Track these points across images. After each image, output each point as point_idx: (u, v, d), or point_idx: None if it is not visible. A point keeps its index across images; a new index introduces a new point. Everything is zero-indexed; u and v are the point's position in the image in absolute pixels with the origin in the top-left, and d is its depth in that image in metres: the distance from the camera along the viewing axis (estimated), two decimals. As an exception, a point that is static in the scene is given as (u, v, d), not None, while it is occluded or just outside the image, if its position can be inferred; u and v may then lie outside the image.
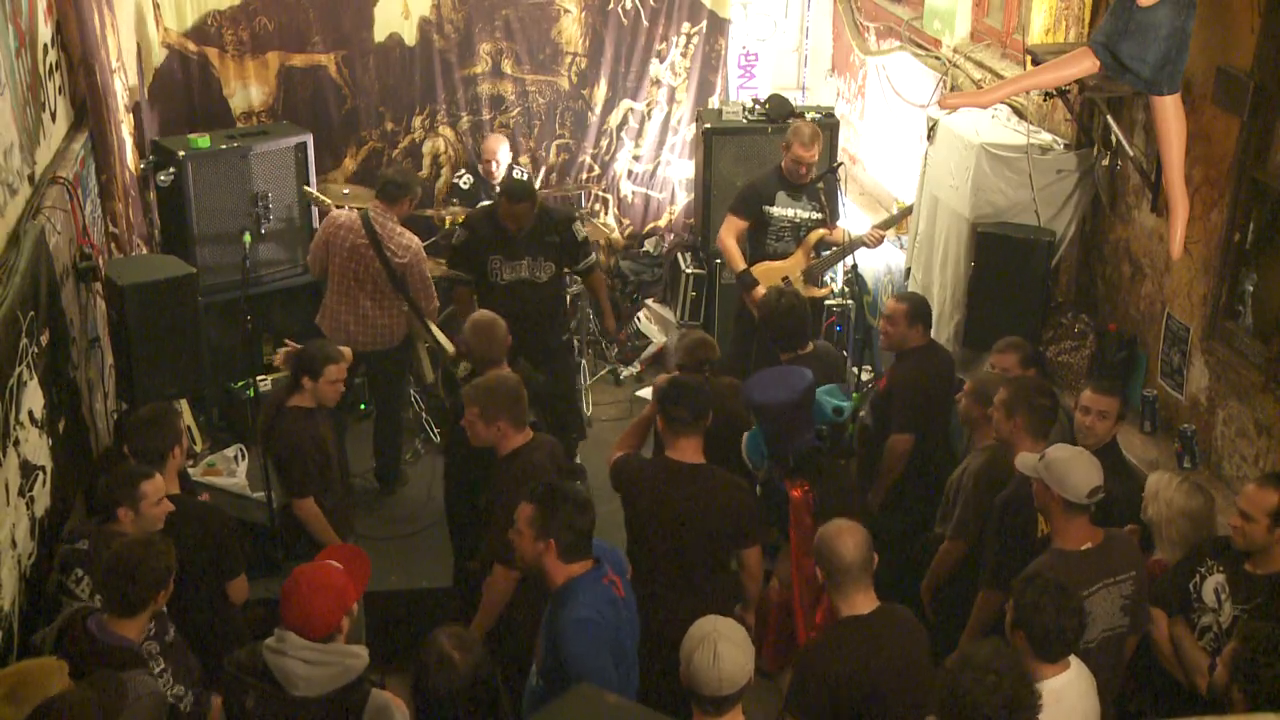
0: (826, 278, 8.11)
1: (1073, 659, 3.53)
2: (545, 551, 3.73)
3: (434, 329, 6.65)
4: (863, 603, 3.71)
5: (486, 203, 7.83)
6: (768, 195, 6.76)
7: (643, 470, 4.68)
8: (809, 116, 7.71)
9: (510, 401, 4.63)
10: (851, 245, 6.76)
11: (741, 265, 6.77)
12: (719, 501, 4.52)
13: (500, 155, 8.03)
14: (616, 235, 9.07)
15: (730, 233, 6.83)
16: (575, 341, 7.49)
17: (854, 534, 3.74)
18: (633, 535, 4.64)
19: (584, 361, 7.83)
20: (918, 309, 5.67)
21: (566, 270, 6.76)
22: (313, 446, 5.16)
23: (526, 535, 3.76)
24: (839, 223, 6.86)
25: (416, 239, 6.58)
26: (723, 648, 3.20)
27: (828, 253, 6.84)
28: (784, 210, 6.75)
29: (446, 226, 7.86)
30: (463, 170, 8.28)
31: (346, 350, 5.48)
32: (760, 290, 6.58)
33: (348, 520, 5.54)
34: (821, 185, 6.73)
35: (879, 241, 6.75)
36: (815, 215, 6.76)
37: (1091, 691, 3.57)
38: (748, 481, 5.36)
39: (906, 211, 6.96)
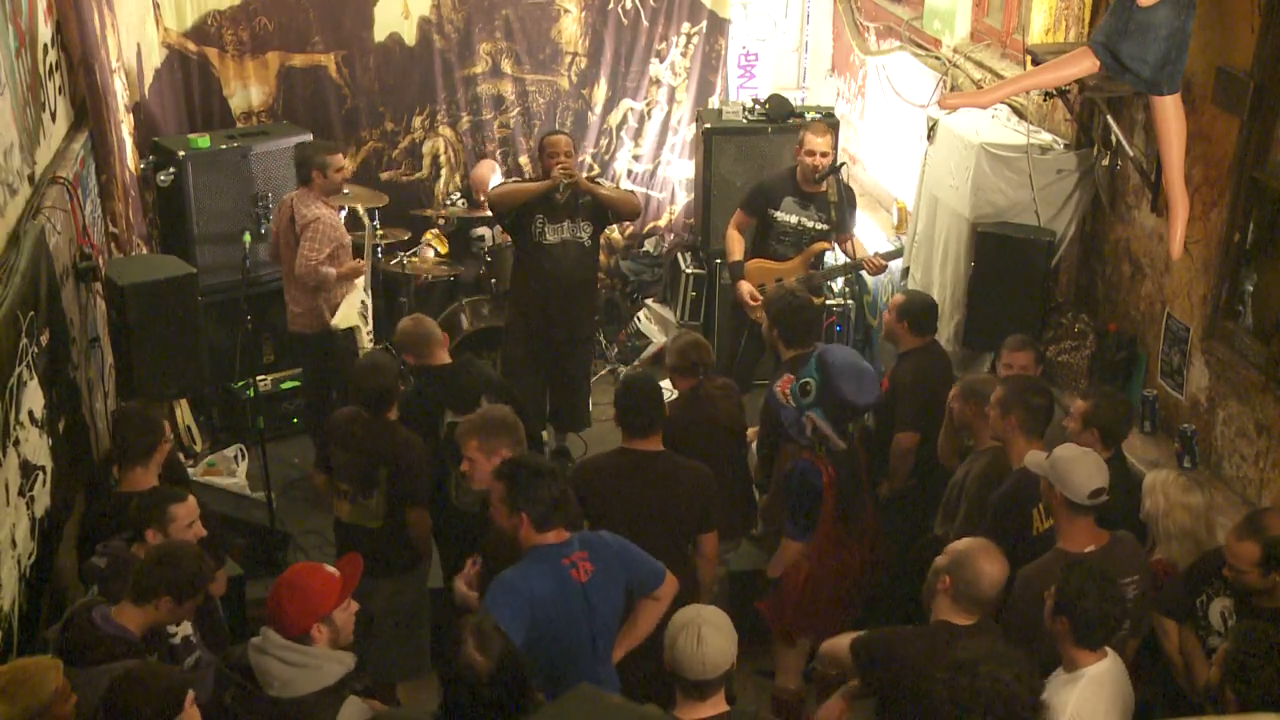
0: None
1: (1108, 648, 3.56)
2: (520, 525, 3.81)
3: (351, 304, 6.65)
4: (964, 618, 3.76)
5: (482, 229, 7.94)
6: (774, 198, 6.77)
7: (602, 465, 4.76)
8: (809, 116, 7.72)
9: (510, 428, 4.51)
10: (853, 265, 6.74)
11: (737, 257, 6.84)
12: (682, 487, 4.64)
13: (494, 181, 7.95)
14: (616, 235, 9.07)
15: (735, 224, 6.93)
16: (601, 339, 7.53)
17: (1001, 568, 3.77)
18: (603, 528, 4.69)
19: (589, 370, 7.83)
20: (906, 308, 5.68)
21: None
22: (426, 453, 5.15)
23: (501, 513, 3.86)
24: (850, 235, 6.80)
25: (328, 212, 6.52)
26: (706, 632, 3.24)
27: (830, 266, 6.81)
28: (788, 216, 6.75)
29: (427, 237, 7.92)
30: (456, 193, 8.31)
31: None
32: (743, 285, 6.72)
33: None
34: (834, 199, 6.66)
35: (879, 269, 6.70)
36: (820, 226, 6.72)
37: (1127, 680, 3.61)
38: (743, 472, 5.39)
39: (898, 253, 6.93)
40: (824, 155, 6.58)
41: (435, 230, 8.14)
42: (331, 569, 3.64)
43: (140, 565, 3.79)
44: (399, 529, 5.08)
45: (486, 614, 3.49)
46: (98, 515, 4.65)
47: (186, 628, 4.16)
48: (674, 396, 5.41)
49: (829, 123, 7.37)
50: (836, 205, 6.66)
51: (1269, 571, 3.76)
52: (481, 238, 8.10)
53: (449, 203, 8.25)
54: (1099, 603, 3.45)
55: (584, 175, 6.93)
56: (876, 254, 6.71)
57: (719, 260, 7.63)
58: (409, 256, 7.85)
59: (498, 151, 8.76)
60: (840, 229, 6.74)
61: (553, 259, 6.63)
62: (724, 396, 5.35)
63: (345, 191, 7.77)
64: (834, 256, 6.99)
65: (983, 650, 3.23)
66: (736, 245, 6.89)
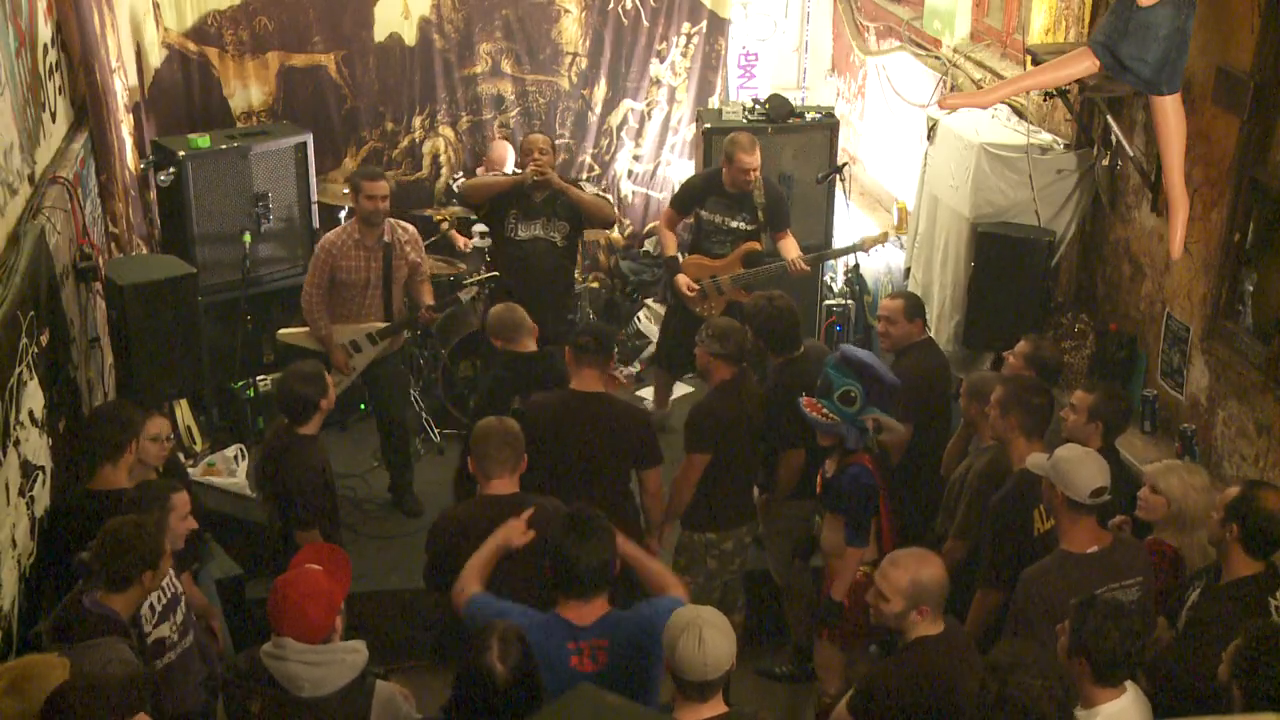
0: (828, 277, 8.12)
1: (1129, 684, 3.48)
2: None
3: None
4: (933, 626, 3.75)
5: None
6: (701, 197, 6.91)
7: (547, 404, 4.96)
8: (809, 116, 7.73)
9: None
10: (779, 268, 6.76)
11: (672, 252, 7.08)
12: (621, 425, 4.96)
13: (509, 161, 8.07)
14: (616, 235, 9.07)
15: (665, 222, 7.17)
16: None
17: (935, 560, 3.78)
18: (547, 467, 4.76)
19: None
20: (914, 304, 5.68)
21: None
22: (318, 475, 5.09)
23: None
24: (784, 232, 6.84)
25: (332, 236, 6.44)
26: (708, 634, 3.24)
27: (760, 268, 6.80)
28: (712, 215, 6.86)
29: (444, 229, 7.90)
30: (459, 174, 8.29)
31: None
32: (680, 278, 6.85)
33: (338, 541, 5.52)
34: (760, 200, 6.72)
35: (801, 272, 6.76)
36: (746, 227, 6.80)
37: (1148, 713, 3.51)
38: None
39: (845, 250, 7.09)
40: (755, 171, 6.65)
41: (445, 222, 8.09)
42: (314, 566, 3.67)
43: (106, 560, 3.80)
44: (288, 537, 5.05)
45: (510, 623, 3.47)
46: (63, 511, 4.62)
47: (164, 629, 4.15)
48: (713, 388, 5.30)
49: (824, 124, 7.66)
50: (764, 206, 6.74)
51: (1226, 520, 3.82)
52: (484, 235, 8.08)
53: (455, 185, 8.17)
54: (1120, 640, 3.36)
55: (561, 177, 6.95)
56: (799, 257, 6.73)
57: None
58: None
59: (497, 152, 8.77)
60: (773, 227, 6.82)
61: (522, 254, 6.70)
62: (759, 399, 5.37)
63: (345, 191, 7.80)
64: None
65: (1018, 658, 3.19)
66: (670, 241, 7.12)
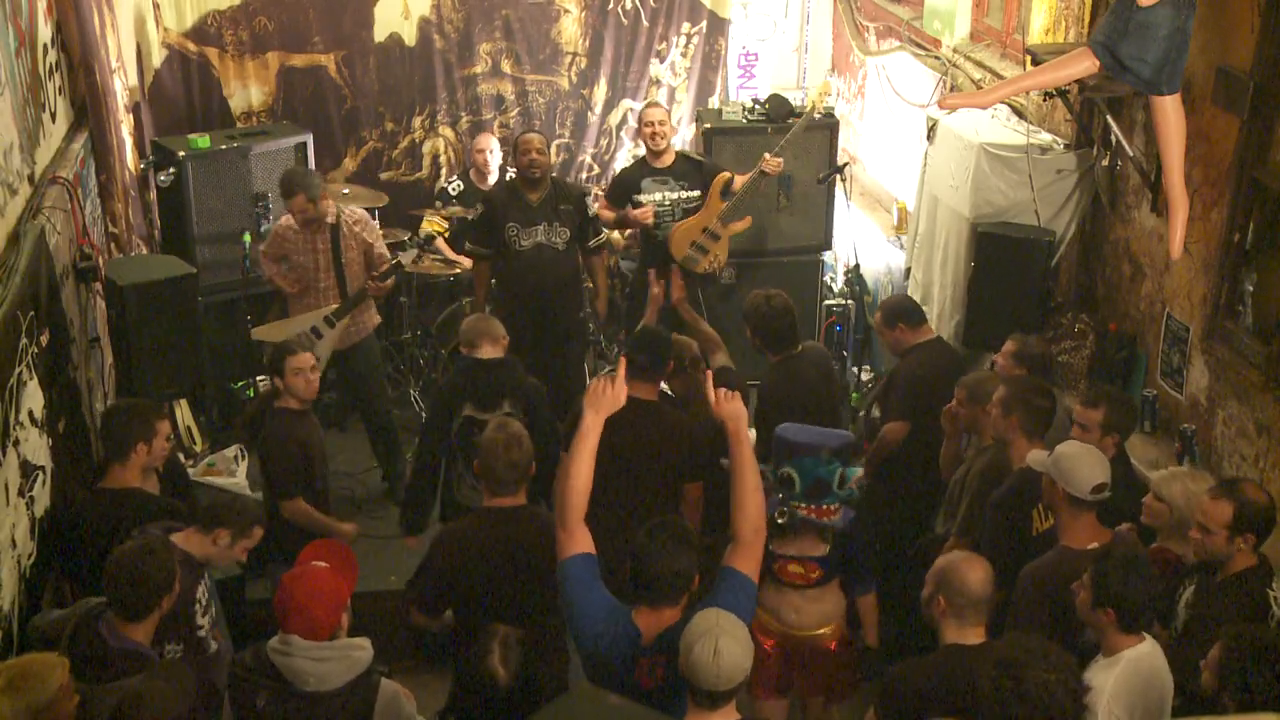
0: (826, 277, 8.12)
1: (1146, 635, 3.61)
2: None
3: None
4: (973, 635, 3.72)
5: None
6: (633, 184, 6.94)
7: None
8: (813, 117, 7.72)
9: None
10: (758, 172, 6.77)
11: (611, 215, 7.10)
12: (671, 435, 4.85)
13: (493, 146, 7.94)
14: (616, 235, 9.05)
15: (603, 209, 7.16)
16: (590, 325, 7.54)
17: (983, 567, 3.75)
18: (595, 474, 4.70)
19: (584, 363, 7.82)
20: (890, 312, 5.67)
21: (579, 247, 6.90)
22: (297, 447, 5.17)
23: None
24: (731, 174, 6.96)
25: (282, 222, 6.51)
26: (723, 644, 3.21)
27: (741, 188, 6.86)
28: (652, 195, 6.90)
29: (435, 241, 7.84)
30: (454, 176, 8.29)
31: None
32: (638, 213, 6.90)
33: None
34: (699, 158, 6.90)
35: (777, 167, 6.73)
36: (689, 192, 6.88)
37: (1164, 662, 3.64)
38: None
39: (798, 126, 7.00)
40: (661, 129, 6.82)
41: (435, 218, 8.03)
42: (320, 563, 3.68)
43: (122, 591, 3.73)
44: (277, 517, 5.12)
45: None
46: (71, 509, 4.61)
47: (207, 622, 4.18)
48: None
49: (824, 124, 7.60)
50: (701, 165, 6.93)
51: (1234, 535, 3.79)
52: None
53: (450, 188, 8.14)
54: (1143, 587, 3.51)
55: (557, 175, 7.17)
56: (765, 156, 6.74)
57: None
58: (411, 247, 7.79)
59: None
60: (710, 172, 6.94)
61: (527, 265, 6.63)
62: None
63: (345, 191, 7.80)
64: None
65: (1029, 651, 3.20)
66: (606, 211, 7.10)
